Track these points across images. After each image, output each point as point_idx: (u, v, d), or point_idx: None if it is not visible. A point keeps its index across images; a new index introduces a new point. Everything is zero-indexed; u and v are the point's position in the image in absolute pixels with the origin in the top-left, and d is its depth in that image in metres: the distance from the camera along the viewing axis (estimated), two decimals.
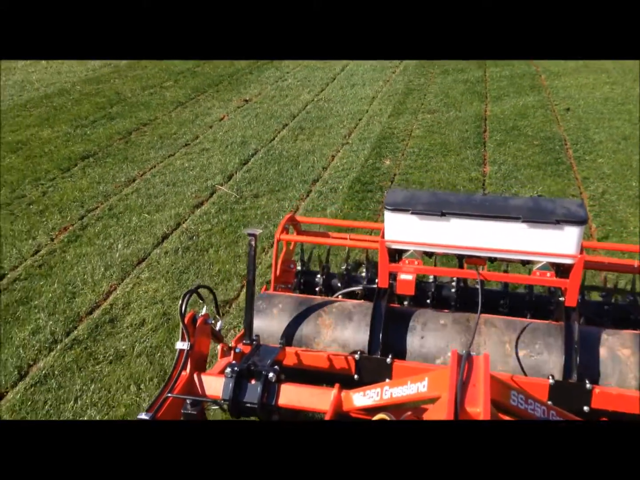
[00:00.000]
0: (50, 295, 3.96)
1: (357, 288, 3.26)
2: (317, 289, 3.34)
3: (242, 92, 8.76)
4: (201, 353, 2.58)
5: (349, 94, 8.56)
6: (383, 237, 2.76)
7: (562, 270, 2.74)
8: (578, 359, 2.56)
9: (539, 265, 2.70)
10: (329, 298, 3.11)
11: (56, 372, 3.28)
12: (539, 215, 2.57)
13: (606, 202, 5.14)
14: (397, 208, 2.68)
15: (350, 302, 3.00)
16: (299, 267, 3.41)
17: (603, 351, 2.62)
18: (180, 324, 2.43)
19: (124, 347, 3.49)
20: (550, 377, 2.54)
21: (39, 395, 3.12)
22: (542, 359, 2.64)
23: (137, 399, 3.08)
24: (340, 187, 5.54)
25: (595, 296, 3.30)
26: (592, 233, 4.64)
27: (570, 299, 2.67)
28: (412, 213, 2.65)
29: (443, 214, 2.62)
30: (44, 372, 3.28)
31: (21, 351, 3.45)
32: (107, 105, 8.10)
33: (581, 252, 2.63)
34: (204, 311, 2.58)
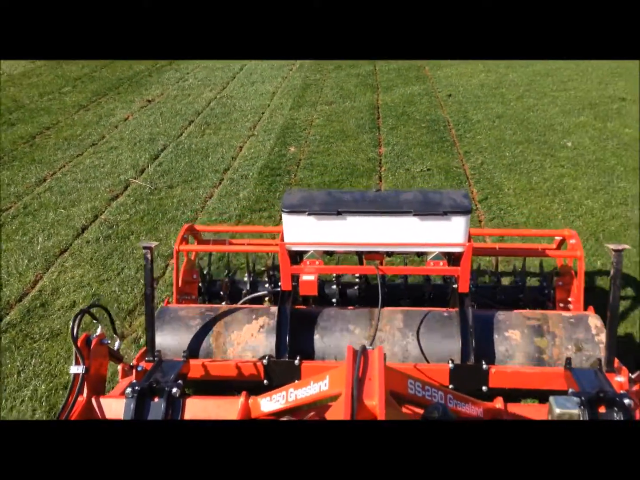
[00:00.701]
0: None
1: (261, 293, 3.26)
2: (221, 297, 3.31)
3: (144, 93, 8.91)
4: (98, 376, 2.49)
5: (250, 91, 8.94)
6: (283, 240, 2.77)
7: (453, 258, 2.83)
8: (473, 342, 2.68)
9: (432, 255, 2.78)
10: (234, 305, 3.09)
11: None
12: (427, 207, 2.65)
13: (484, 170, 5.87)
14: (294, 210, 2.69)
15: (256, 308, 3.00)
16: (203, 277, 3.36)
17: (496, 332, 2.78)
18: (73, 347, 2.34)
19: (58, 326, 3.68)
20: (450, 361, 2.65)
21: None
22: (441, 345, 2.76)
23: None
24: (251, 173, 5.92)
25: (488, 280, 3.54)
26: (474, 196, 5.32)
27: (463, 286, 2.78)
28: (309, 214, 2.66)
29: (339, 213, 2.65)
30: None
31: None
32: (6, 112, 7.99)
33: (469, 240, 2.72)
34: (98, 331, 2.50)
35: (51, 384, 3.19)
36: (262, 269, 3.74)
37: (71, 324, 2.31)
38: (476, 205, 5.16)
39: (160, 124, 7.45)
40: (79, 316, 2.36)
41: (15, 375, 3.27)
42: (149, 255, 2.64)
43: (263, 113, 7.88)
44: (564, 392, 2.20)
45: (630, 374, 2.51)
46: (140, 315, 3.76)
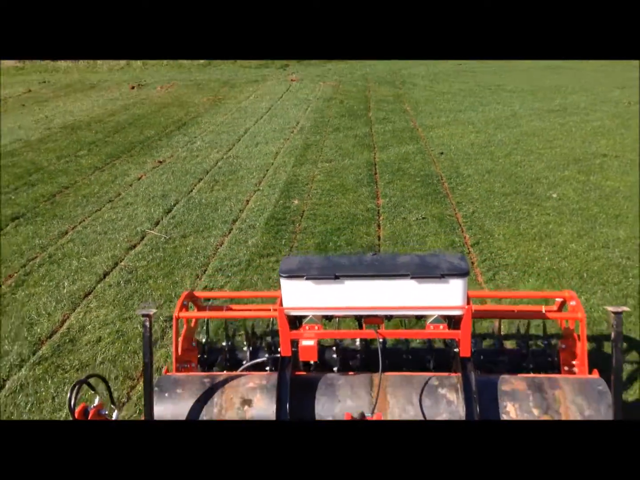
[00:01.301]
0: (9, 326, 4.40)
1: (261, 360, 3.24)
2: (221, 364, 3.29)
3: (155, 155, 9.47)
4: None
5: (254, 151, 9.52)
6: (281, 304, 2.77)
7: (453, 322, 2.82)
8: (478, 407, 2.65)
9: (432, 318, 2.77)
10: (234, 373, 3.07)
11: (30, 382, 3.75)
12: (424, 270, 2.66)
13: (476, 218, 6.31)
14: (292, 275, 2.70)
15: (255, 375, 2.98)
16: (203, 342, 3.34)
17: (502, 397, 2.74)
18: (71, 419, 2.31)
19: (86, 358, 4.00)
20: None
21: (20, 399, 3.58)
22: (445, 410, 2.74)
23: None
24: (258, 223, 6.35)
25: (490, 343, 3.51)
26: (466, 241, 5.73)
27: (464, 350, 2.76)
28: (307, 278, 2.67)
29: (337, 277, 2.67)
30: (19, 382, 3.74)
31: None
32: (26, 174, 8.51)
33: (468, 303, 2.71)
34: (96, 402, 2.47)
35: None
36: (262, 333, 3.65)
37: (68, 394, 2.27)
38: (469, 249, 5.57)
39: (172, 182, 7.95)
40: (76, 387, 2.32)
41: (50, 400, 3.57)
42: (147, 323, 2.62)
43: (267, 170, 8.41)
44: None
45: None
46: (160, 348, 4.08)
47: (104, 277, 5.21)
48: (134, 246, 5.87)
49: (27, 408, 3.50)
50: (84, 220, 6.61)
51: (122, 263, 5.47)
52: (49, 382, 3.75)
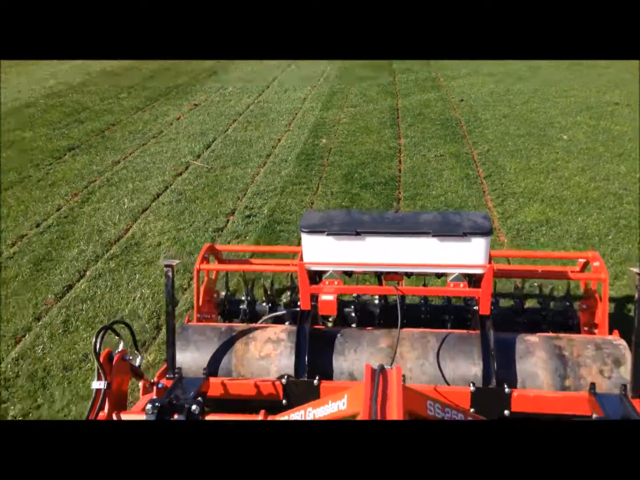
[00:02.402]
0: (82, 232, 5.15)
1: (281, 313, 3.24)
2: (241, 316, 3.32)
3: (190, 99, 10.08)
4: (120, 391, 2.50)
5: (284, 97, 10.07)
6: (302, 259, 2.76)
7: (474, 280, 2.79)
8: (495, 365, 2.62)
9: (452, 277, 2.74)
10: (254, 325, 3.07)
11: (107, 272, 4.50)
12: (447, 228, 2.63)
13: (490, 155, 6.87)
14: (313, 230, 2.68)
15: (275, 327, 2.98)
16: (222, 296, 3.37)
17: (519, 356, 2.70)
18: (95, 363, 2.34)
19: (150, 257, 4.74)
20: (471, 384, 2.58)
21: (100, 283, 4.33)
22: (462, 367, 2.70)
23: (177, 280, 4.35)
24: (289, 158, 6.99)
25: (509, 302, 3.48)
26: (479, 174, 6.32)
27: (484, 308, 2.73)
28: (328, 234, 2.65)
29: (358, 233, 2.64)
30: (97, 272, 4.50)
31: (75, 262, 4.63)
32: (74, 112, 9.21)
33: (490, 262, 2.68)
34: (120, 347, 2.50)
35: (152, 291, 4.23)
36: (283, 287, 3.75)
37: (93, 339, 2.30)
38: (481, 180, 6.16)
39: (209, 122, 8.59)
40: (102, 332, 2.35)
41: (125, 285, 4.32)
42: (170, 273, 2.62)
43: (296, 114, 8.99)
44: (587, 418, 2.18)
45: None
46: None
47: (157, 197, 5.92)
48: (180, 174, 6.56)
49: (107, 290, 4.25)
50: (133, 152, 7.30)
51: (172, 187, 6.17)
52: (122, 272, 4.50)
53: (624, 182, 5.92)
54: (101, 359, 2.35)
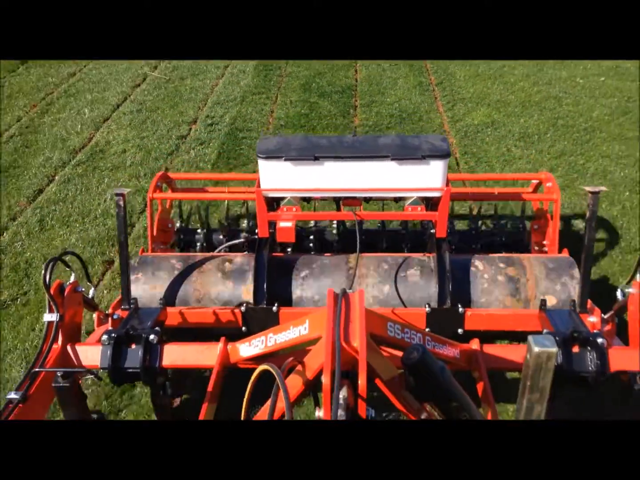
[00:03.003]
0: (46, 141, 5.26)
1: (238, 241, 3.18)
2: (197, 245, 3.25)
3: None
4: (73, 323, 2.43)
5: None
6: (259, 186, 2.72)
7: (431, 203, 2.82)
8: (450, 286, 2.68)
9: (410, 200, 2.76)
10: (211, 254, 3.03)
11: (75, 177, 4.68)
12: (406, 152, 2.61)
13: (441, 64, 7.09)
14: (270, 155, 2.64)
15: (233, 255, 2.95)
16: (177, 225, 3.29)
17: (473, 276, 2.77)
18: (46, 295, 2.26)
19: (117, 162, 4.91)
20: (426, 305, 2.65)
21: (70, 186, 4.52)
22: (419, 289, 2.75)
23: (140, 182, 4.57)
24: (247, 69, 7.07)
25: (464, 225, 3.59)
26: (431, 82, 6.57)
27: (440, 230, 2.77)
28: (286, 159, 2.61)
29: (316, 158, 2.60)
30: (66, 177, 4.67)
31: (42, 169, 4.78)
32: None
33: (447, 185, 2.69)
34: (72, 279, 2.41)
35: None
36: (238, 214, 3.75)
37: (43, 271, 2.21)
38: (433, 87, 6.43)
39: None
40: (51, 263, 2.24)
41: (94, 188, 4.52)
42: (121, 202, 2.56)
43: None
44: (538, 333, 2.15)
45: (602, 315, 2.52)
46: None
47: (117, 107, 6.00)
48: (139, 85, 6.60)
49: (78, 192, 4.45)
50: (87, 64, 7.23)
51: (131, 97, 6.24)
52: (90, 176, 4.68)
53: (564, 86, 6.28)
54: (52, 291, 2.26)
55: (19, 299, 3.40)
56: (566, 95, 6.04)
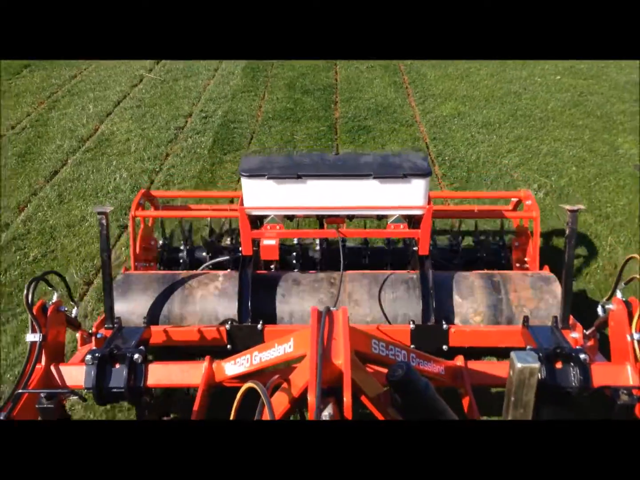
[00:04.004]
0: (56, 132, 5.78)
1: (222, 259, 3.19)
2: (181, 263, 3.23)
3: None
4: (57, 343, 2.42)
5: None
6: (242, 204, 2.72)
7: (414, 221, 2.83)
8: (434, 303, 2.70)
9: (393, 218, 2.77)
10: (195, 272, 3.02)
11: (86, 160, 5.21)
12: (387, 170, 2.64)
13: (414, 66, 7.75)
14: (253, 174, 2.64)
15: (216, 273, 2.94)
16: (160, 243, 3.28)
17: (456, 293, 2.79)
18: (29, 315, 2.24)
19: (122, 149, 5.45)
20: (410, 322, 2.66)
21: (82, 168, 5.05)
22: (403, 306, 2.76)
23: (144, 164, 5.10)
24: (236, 71, 7.66)
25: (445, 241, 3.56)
26: (404, 81, 7.21)
27: (423, 248, 2.78)
28: (269, 178, 2.61)
29: (299, 177, 2.62)
30: (77, 160, 5.20)
31: (55, 154, 5.30)
32: None
33: (429, 203, 2.71)
34: (54, 298, 2.39)
35: (130, 173, 4.99)
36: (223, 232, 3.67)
37: (25, 291, 2.20)
38: (406, 86, 7.07)
39: None
40: (33, 283, 2.23)
41: (104, 169, 5.05)
42: (104, 221, 2.54)
43: None
44: (522, 349, 2.15)
45: (584, 330, 2.56)
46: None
47: (118, 103, 6.54)
48: (136, 85, 7.16)
49: (90, 172, 4.98)
50: (87, 68, 7.78)
51: (130, 95, 6.79)
52: (99, 160, 5.21)
53: (524, 83, 6.97)
54: (35, 311, 2.25)
55: (47, 255, 3.93)
56: (525, 91, 6.72)
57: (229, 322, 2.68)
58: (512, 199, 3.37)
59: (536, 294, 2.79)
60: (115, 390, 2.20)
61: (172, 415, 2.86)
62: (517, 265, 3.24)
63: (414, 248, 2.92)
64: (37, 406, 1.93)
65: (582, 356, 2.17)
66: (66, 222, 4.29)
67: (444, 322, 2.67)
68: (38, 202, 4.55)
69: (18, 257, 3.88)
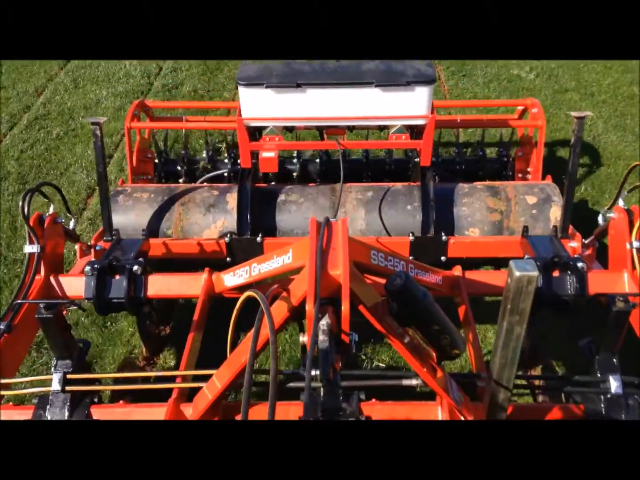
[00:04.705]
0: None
1: (221, 172, 3.17)
2: (179, 177, 3.23)
3: None
4: (55, 255, 2.44)
5: None
6: (240, 115, 2.66)
7: (416, 132, 2.77)
8: (434, 214, 2.69)
9: (395, 129, 2.70)
10: (193, 185, 3.01)
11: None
12: (390, 78, 2.56)
13: None
14: (251, 82, 2.57)
15: (215, 186, 2.92)
16: (156, 156, 3.25)
17: (456, 204, 2.77)
18: (26, 227, 2.26)
19: (116, 69, 5.14)
20: (410, 234, 2.65)
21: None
22: (403, 218, 2.75)
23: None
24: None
25: (450, 153, 3.53)
26: None
27: (425, 159, 2.73)
28: (267, 86, 2.54)
29: (298, 85, 2.54)
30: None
31: None
32: None
33: (432, 112, 2.64)
34: (51, 210, 2.41)
35: (138, 61, 5.03)
36: (220, 145, 3.70)
37: (20, 203, 2.21)
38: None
39: None
40: (29, 194, 2.23)
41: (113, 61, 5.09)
42: (98, 132, 2.50)
43: None
44: (521, 259, 2.06)
45: (583, 240, 2.58)
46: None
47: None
48: None
49: (100, 63, 5.13)
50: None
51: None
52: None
53: None
54: (31, 222, 2.28)
55: (69, 133, 4.31)
56: None
57: (229, 235, 2.67)
58: (518, 107, 3.28)
59: (537, 204, 2.77)
60: (115, 300, 2.24)
61: (172, 325, 2.92)
62: (520, 175, 3.21)
63: (416, 159, 2.87)
64: (36, 316, 1.95)
65: (579, 264, 2.18)
66: (83, 104, 4.59)
67: (442, 234, 2.67)
68: (54, 87, 4.82)
69: (42, 135, 4.26)
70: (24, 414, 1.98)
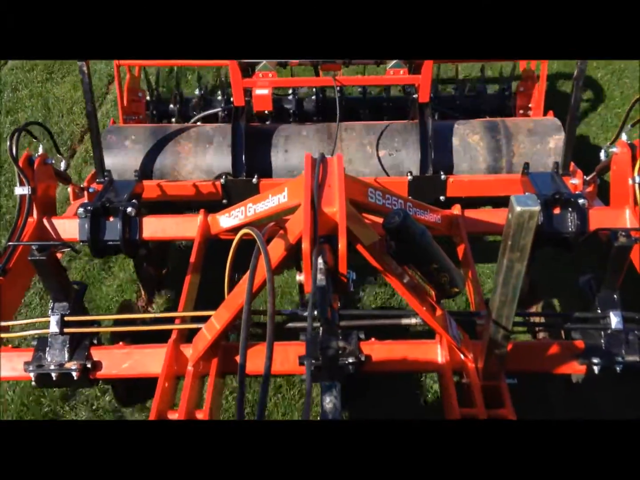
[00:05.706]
0: None
1: (214, 111, 3.08)
2: (172, 116, 3.16)
3: None
4: (47, 197, 2.39)
5: None
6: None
7: (414, 66, 2.72)
8: (433, 153, 2.62)
9: (392, 63, 2.64)
10: (186, 124, 2.95)
11: None
12: None
13: None
14: None
15: (209, 126, 2.84)
16: (148, 96, 3.17)
17: (455, 142, 2.69)
18: (15, 168, 2.19)
19: None
20: (408, 173, 2.60)
21: None
22: (401, 157, 2.68)
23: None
24: None
25: (449, 89, 3.41)
26: None
27: (423, 95, 2.64)
28: None
29: None
30: None
31: None
32: None
33: None
34: (40, 151, 2.34)
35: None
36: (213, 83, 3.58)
37: (8, 142, 2.15)
38: None
39: None
40: (16, 134, 2.17)
41: None
42: (85, 69, 2.41)
43: None
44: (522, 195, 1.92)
45: (584, 176, 2.52)
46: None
47: None
48: None
49: None
50: None
51: None
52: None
53: None
54: (20, 163, 2.21)
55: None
56: None
57: (224, 176, 2.62)
58: None
59: (538, 140, 2.70)
60: (111, 242, 2.22)
61: (169, 267, 2.92)
62: (521, 112, 3.12)
63: (414, 96, 2.77)
64: (29, 258, 1.90)
65: (580, 201, 2.15)
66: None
67: (441, 172, 2.61)
68: None
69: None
70: (23, 356, 1.99)
